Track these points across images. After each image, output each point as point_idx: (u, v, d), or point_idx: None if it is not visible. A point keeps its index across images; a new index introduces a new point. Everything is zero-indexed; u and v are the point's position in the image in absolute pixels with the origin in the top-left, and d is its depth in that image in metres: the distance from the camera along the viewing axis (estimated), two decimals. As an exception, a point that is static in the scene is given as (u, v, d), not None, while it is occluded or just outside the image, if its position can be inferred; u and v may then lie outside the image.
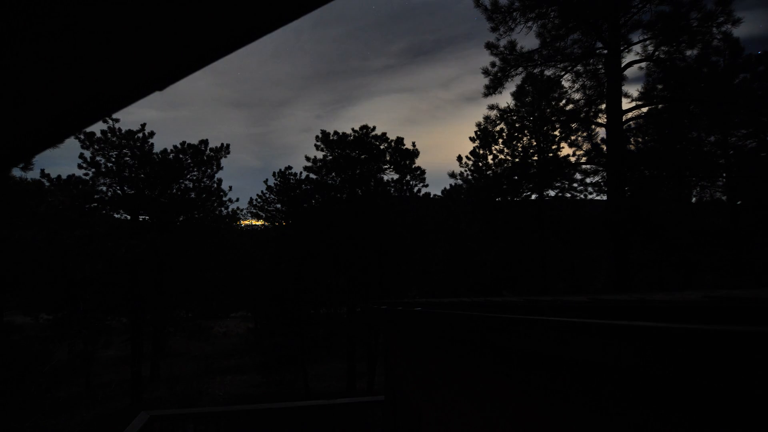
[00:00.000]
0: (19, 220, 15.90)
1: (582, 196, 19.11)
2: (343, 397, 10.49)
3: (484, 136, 19.34)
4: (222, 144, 20.71)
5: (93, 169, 18.32)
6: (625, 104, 14.16)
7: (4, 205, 15.43)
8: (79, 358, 17.96)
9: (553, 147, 18.41)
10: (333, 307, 20.84)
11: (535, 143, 18.69)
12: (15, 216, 15.80)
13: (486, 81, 15.01)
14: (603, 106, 14.74)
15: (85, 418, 15.56)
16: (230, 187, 21.38)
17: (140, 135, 18.84)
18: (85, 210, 18.37)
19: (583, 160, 16.86)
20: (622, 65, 13.77)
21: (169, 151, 19.60)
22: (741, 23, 12.44)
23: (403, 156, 19.86)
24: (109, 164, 18.53)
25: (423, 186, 20.38)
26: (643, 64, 14.58)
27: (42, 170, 17.57)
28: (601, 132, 16.36)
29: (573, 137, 16.94)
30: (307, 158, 20.17)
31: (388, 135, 20.01)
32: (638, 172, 15.94)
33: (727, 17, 12.42)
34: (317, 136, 19.95)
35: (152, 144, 19.15)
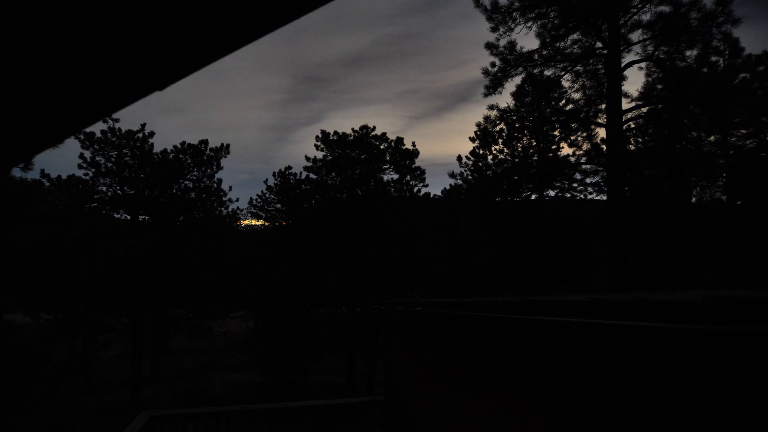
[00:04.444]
0: (19, 220, 15.89)
1: (582, 196, 19.11)
2: (343, 397, 10.48)
3: (484, 136, 19.34)
4: (222, 144, 20.72)
5: (93, 169, 18.32)
6: (625, 104, 14.16)
7: (4, 205, 15.43)
8: (79, 357, 17.96)
9: (553, 147, 18.41)
10: (333, 307, 20.84)
11: (535, 143, 18.69)
12: (15, 216, 15.80)
13: (486, 81, 15.02)
14: (603, 106, 14.74)
15: (85, 416, 15.56)
16: (230, 187, 21.40)
17: (140, 135, 18.84)
18: (85, 210, 18.37)
19: (583, 160, 16.86)
20: (622, 65, 13.76)
21: (169, 151, 19.60)
22: (741, 23, 12.44)
23: (403, 156, 19.86)
24: (109, 164, 18.53)
25: (423, 186, 20.39)
26: (643, 64, 14.58)
27: (42, 170, 17.60)
28: (601, 132, 16.36)
29: (573, 137, 16.94)
30: (307, 158, 20.18)
31: (387, 135, 20.04)
32: (638, 172, 15.93)
33: (727, 17, 12.42)
34: (317, 136, 19.97)
35: (152, 144, 19.16)
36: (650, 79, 15.02)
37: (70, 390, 18.34)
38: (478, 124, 16.75)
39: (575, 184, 18.77)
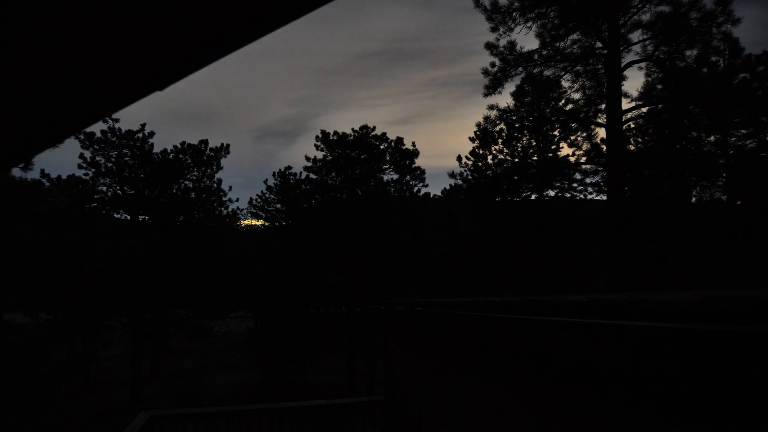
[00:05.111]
0: (19, 220, 15.90)
1: (582, 196, 19.10)
2: (343, 397, 10.48)
3: (484, 136, 19.34)
4: (222, 144, 20.72)
5: (93, 169, 18.33)
6: (625, 104, 14.16)
7: (4, 205, 15.43)
8: (79, 357, 17.96)
9: (553, 147, 18.40)
10: (333, 307, 20.83)
11: (534, 143, 18.68)
12: (15, 216, 15.81)
13: (486, 81, 15.02)
14: (603, 106, 14.74)
15: (85, 417, 15.56)
16: (230, 187, 21.41)
17: (140, 135, 18.84)
18: (85, 210, 18.37)
19: (583, 160, 16.86)
20: (622, 65, 13.76)
21: (169, 151, 19.61)
22: (741, 23, 12.45)
23: (403, 156, 19.86)
24: (109, 164, 18.53)
25: (423, 186, 20.39)
26: (643, 64, 14.58)
27: (42, 170, 17.60)
28: (601, 132, 16.36)
29: (573, 137, 16.93)
30: (307, 158, 20.18)
31: (387, 135, 20.03)
32: (638, 172, 15.93)
33: (727, 17, 12.43)
34: (317, 136, 19.97)
35: (152, 144, 19.15)
36: (650, 79, 15.03)
37: (70, 390, 18.34)
38: (478, 124, 16.75)
39: (575, 184, 18.78)
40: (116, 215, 20.12)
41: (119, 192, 19.07)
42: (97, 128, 18.52)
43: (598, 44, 14.17)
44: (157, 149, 19.28)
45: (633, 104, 14.71)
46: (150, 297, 17.89)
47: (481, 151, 19.92)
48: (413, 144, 19.96)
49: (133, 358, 17.78)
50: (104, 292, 17.49)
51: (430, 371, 3.65)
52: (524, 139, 18.63)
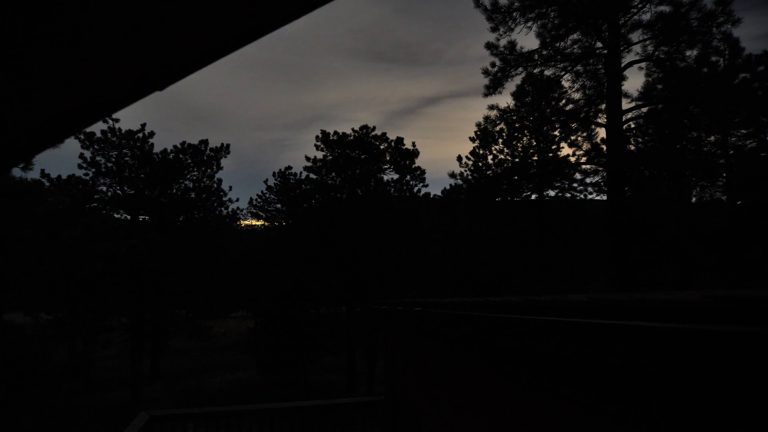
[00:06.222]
0: (19, 220, 15.90)
1: (582, 196, 19.10)
2: (343, 397, 10.49)
3: (484, 136, 19.33)
4: (222, 144, 20.71)
5: (93, 169, 18.33)
6: (625, 104, 14.16)
7: (4, 205, 15.43)
8: (79, 357, 17.97)
9: (553, 147, 18.40)
10: (333, 307, 20.83)
11: (535, 143, 18.68)
12: (15, 216, 15.80)
13: (486, 81, 15.02)
14: (603, 106, 14.74)
15: (85, 416, 15.56)
16: (230, 187, 21.40)
17: (140, 135, 18.84)
18: (85, 210, 18.37)
19: (583, 160, 16.86)
20: (622, 65, 13.77)
21: (169, 151, 19.60)
22: (741, 23, 12.45)
23: (403, 156, 19.86)
24: (109, 164, 18.53)
25: (423, 186, 20.38)
26: (643, 64, 14.58)
27: (42, 170, 17.60)
28: (601, 132, 16.36)
29: (573, 137, 16.93)
30: (307, 158, 20.18)
31: (388, 135, 20.03)
32: (638, 172, 15.93)
33: (727, 17, 12.43)
34: (317, 136, 19.97)
35: (152, 144, 19.15)
36: (650, 79, 15.03)
37: (70, 389, 18.33)
38: (478, 124, 16.76)
39: (575, 184, 18.78)
40: (116, 215, 20.13)
41: (119, 192, 19.07)
42: (97, 128, 18.52)
43: (598, 44, 14.17)
44: (157, 149, 19.29)
45: (633, 104, 14.71)
46: (150, 297, 17.88)
47: (481, 151, 19.91)
48: (413, 144, 19.97)
49: (133, 357, 17.78)
50: (104, 292, 17.49)
51: (430, 371, 3.65)
52: (524, 139, 18.62)
